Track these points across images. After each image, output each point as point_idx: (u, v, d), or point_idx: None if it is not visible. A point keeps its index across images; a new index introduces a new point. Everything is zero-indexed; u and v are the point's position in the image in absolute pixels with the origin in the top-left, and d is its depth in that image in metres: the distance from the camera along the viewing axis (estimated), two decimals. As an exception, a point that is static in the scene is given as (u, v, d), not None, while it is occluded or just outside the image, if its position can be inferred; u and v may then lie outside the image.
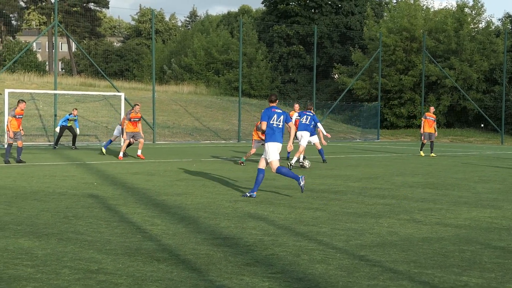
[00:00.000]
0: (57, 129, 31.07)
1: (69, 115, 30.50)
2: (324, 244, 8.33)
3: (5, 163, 20.62)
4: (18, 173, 17.40)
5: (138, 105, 24.33)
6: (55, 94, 36.96)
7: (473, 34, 58.23)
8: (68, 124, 30.32)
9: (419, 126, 53.02)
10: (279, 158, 13.10)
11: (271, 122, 13.05)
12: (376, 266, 7.22)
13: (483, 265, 7.37)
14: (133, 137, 23.95)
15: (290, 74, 70.31)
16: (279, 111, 13.16)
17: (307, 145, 22.28)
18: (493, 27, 59.72)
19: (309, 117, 22.31)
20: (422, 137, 28.76)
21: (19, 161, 21.02)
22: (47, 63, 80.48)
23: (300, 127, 22.19)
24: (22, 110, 21.47)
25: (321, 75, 66.00)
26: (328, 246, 8.20)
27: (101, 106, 44.52)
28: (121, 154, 23.91)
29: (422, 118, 29.10)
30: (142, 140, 24.14)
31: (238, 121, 44.27)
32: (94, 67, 57.76)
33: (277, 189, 14.60)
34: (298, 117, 22.88)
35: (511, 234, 9.33)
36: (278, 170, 12.97)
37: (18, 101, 21.72)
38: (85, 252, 7.65)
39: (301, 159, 21.27)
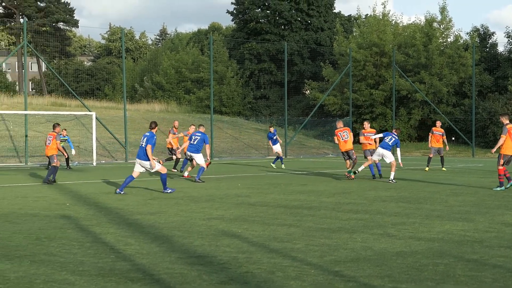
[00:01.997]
0: None
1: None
2: (298, 261, 8.33)
3: None
4: (-11, 195, 17.21)
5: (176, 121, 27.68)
6: (25, 115, 36.68)
7: (442, 48, 58.64)
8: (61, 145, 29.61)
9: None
10: (140, 170, 17.90)
11: (140, 143, 17.78)
12: (351, 281, 7.23)
13: (457, 278, 7.42)
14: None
15: (262, 90, 70.34)
16: (147, 134, 17.67)
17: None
18: (462, 41, 60.16)
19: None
20: (431, 151, 29.12)
21: None
22: (17, 84, 79.90)
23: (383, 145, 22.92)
24: None
25: (292, 91, 66.12)
26: (302, 263, 8.20)
27: (73, 126, 44.20)
28: (186, 173, 23.84)
29: (430, 133, 29.62)
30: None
31: (211, 138, 44.16)
32: (64, 87, 57.33)
33: (251, 206, 14.60)
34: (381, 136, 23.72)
35: (484, 247, 9.40)
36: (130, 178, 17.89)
37: None
38: (58, 274, 7.58)
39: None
